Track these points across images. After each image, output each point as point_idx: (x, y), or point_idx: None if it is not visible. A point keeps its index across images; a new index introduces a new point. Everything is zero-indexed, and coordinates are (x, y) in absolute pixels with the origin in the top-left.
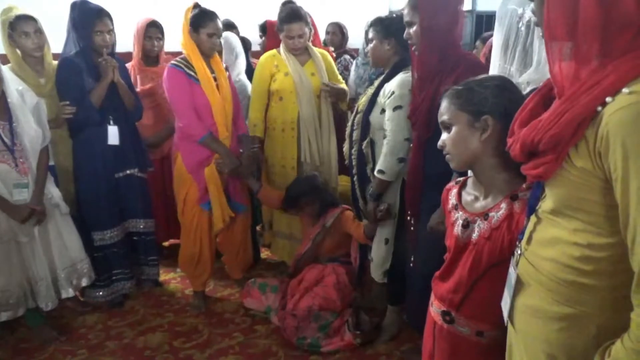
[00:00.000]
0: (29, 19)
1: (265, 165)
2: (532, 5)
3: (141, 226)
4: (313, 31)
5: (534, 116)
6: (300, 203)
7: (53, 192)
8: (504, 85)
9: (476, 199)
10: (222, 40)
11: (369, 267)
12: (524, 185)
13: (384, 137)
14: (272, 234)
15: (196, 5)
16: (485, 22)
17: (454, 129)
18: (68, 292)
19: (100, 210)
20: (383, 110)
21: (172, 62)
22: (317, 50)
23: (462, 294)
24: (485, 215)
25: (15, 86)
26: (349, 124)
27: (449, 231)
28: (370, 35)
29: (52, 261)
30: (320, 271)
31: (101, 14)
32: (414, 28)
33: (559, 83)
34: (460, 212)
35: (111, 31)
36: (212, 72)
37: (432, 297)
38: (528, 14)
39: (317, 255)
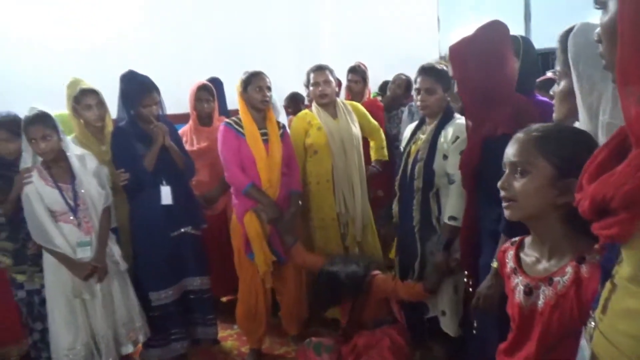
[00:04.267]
0: (91, 92)
1: (304, 220)
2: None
3: (197, 284)
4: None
5: (604, 170)
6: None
7: (114, 249)
8: None
9: (537, 260)
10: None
11: (424, 325)
12: (596, 246)
13: (450, 183)
14: None
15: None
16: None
17: (530, 177)
18: (128, 349)
19: (157, 270)
20: (445, 157)
21: (226, 120)
22: (346, 103)
23: None
24: (549, 279)
25: (75, 151)
26: (399, 175)
27: (510, 298)
28: (429, 85)
29: (113, 317)
30: (370, 338)
31: (148, 88)
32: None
33: (635, 131)
34: (521, 277)
35: (158, 103)
36: (263, 128)
37: None
38: None
39: (361, 324)
